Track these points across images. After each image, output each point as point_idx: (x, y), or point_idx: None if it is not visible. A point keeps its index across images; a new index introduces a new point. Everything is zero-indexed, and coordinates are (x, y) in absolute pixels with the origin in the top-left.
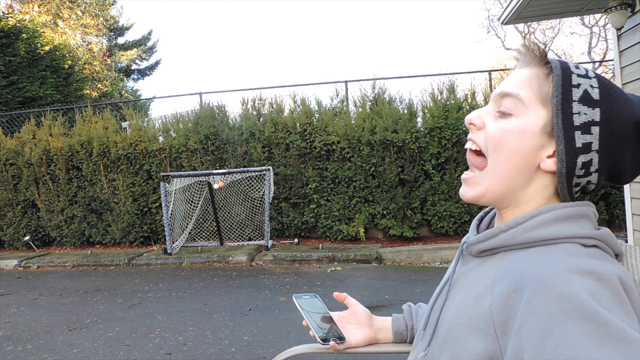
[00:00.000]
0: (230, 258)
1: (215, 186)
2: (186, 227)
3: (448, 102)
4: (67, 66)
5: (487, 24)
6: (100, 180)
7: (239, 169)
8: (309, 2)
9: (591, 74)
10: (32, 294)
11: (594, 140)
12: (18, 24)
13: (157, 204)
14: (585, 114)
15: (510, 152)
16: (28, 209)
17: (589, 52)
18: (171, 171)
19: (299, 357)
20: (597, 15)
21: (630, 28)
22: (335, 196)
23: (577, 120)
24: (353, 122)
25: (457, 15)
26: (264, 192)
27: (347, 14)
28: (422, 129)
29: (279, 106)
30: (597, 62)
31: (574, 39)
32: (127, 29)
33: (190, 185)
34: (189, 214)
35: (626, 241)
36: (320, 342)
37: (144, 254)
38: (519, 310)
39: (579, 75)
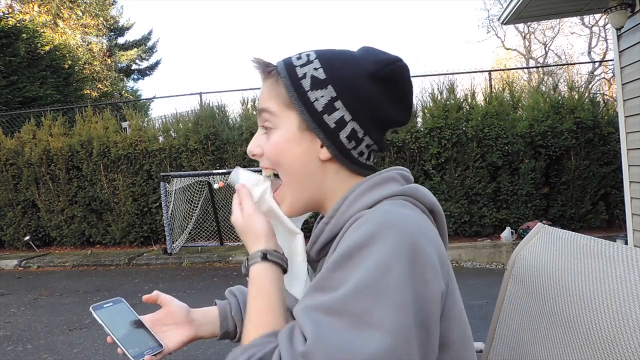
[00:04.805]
0: (231, 258)
1: (215, 186)
2: (186, 227)
3: (448, 102)
4: (67, 66)
5: (487, 24)
6: (100, 180)
7: None
8: (309, 2)
9: (312, 57)
10: (32, 294)
11: (343, 113)
12: (18, 24)
13: (157, 204)
14: (322, 96)
15: (290, 161)
16: (28, 209)
17: (589, 52)
18: (171, 171)
19: None
20: (597, 15)
21: (630, 28)
22: None
23: (319, 106)
24: None
25: (457, 15)
26: None
27: (347, 13)
28: (422, 129)
29: None
30: (597, 62)
31: (573, 39)
32: (127, 29)
33: (190, 185)
34: (189, 214)
35: (626, 242)
36: (132, 359)
37: (144, 254)
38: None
39: (301, 66)
